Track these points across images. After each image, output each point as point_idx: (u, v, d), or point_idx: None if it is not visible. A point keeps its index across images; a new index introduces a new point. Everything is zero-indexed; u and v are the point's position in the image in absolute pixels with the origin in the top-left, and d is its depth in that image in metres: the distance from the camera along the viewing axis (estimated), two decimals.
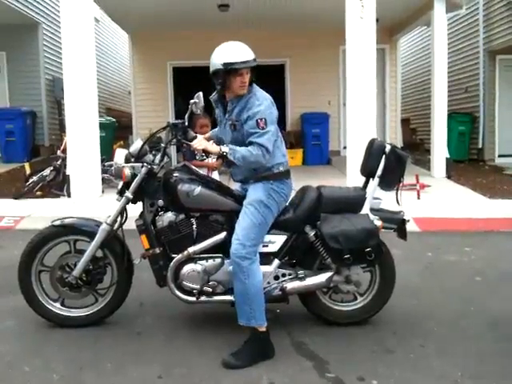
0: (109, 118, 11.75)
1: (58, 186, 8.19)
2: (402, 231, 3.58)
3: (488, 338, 3.44)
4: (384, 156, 3.48)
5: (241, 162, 3.20)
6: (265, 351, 3.18)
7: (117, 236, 3.52)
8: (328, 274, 3.45)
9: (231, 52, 3.22)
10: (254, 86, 3.36)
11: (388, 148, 3.49)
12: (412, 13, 10.69)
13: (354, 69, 7.89)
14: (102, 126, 9.05)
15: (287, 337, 3.47)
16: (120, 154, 3.49)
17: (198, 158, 3.43)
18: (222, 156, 3.22)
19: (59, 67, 11.01)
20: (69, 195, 7.85)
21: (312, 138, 11.64)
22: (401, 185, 3.62)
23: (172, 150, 3.26)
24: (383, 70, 12.53)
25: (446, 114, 9.61)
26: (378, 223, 3.39)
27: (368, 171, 3.57)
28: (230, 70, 3.19)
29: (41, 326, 3.61)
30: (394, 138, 12.78)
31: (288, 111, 12.72)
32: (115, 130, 11.43)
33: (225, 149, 3.20)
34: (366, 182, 3.58)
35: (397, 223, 3.55)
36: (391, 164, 3.49)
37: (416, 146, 13.44)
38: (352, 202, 3.50)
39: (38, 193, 8.11)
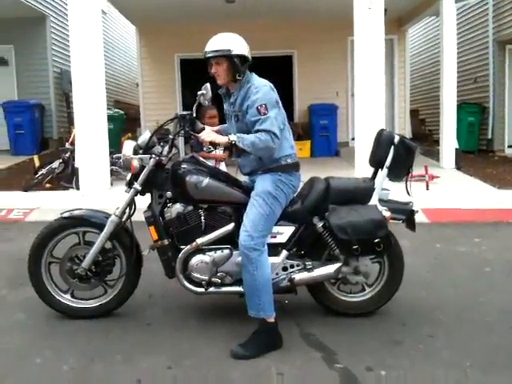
0: (117, 110, 11.75)
1: (66, 178, 8.23)
2: (410, 222, 3.56)
3: (497, 329, 3.43)
4: (393, 147, 3.46)
5: (250, 149, 3.18)
6: (273, 342, 3.19)
7: (125, 228, 3.54)
8: (336, 265, 3.45)
9: (211, 40, 3.34)
10: (252, 75, 3.39)
11: (397, 139, 3.47)
12: (420, 3, 10.61)
13: (363, 60, 7.85)
14: (110, 119, 9.06)
15: (296, 328, 3.48)
16: (128, 146, 3.49)
17: (205, 149, 3.42)
18: (230, 145, 3.21)
19: (67, 60, 11.03)
20: (78, 187, 7.89)
21: (320, 130, 11.60)
22: (410, 176, 3.59)
23: (180, 141, 3.25)
24: (392, 61, 12.46)
25: (455, 104, 9.55)
26: (387, 214, 3.38)
27: (376, 162, 3.55)
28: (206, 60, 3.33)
29: (51, 317, 3.64)
30: (403, 128, 12.72)
31: (296, 103, 12.70)
32: (123, 122, 11.44)
33: (233, 137, 3.20)
34: (375, 173, 3.56)
35: (405, 214, 3.54)
36: (400, 155, 3.47)
37: (425, 137, 13.37)
38: (360, 193, 3.49)
39: (47, 185, 8.15)
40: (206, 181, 3.35)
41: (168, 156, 3.44)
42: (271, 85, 3.33)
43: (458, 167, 9.37)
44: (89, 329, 3.51)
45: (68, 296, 3.63)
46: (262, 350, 3.13)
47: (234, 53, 3.26)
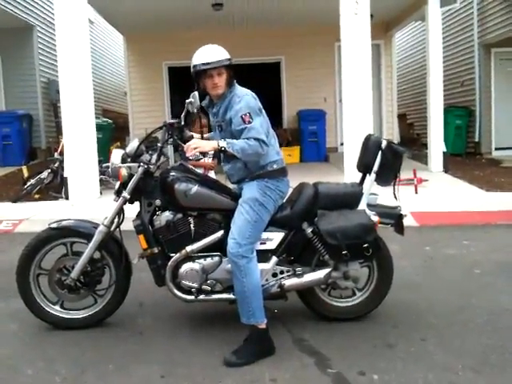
0: (105, 119, 11.74)
1: (55, 188, 8.20)
2: (399, 226, 3.58)
3: (488, 331, 3.45)
4: (380, 152, 3.48)
5: (240, 154, 3.18)
6: (265, 348, 3.19)
7: (114, 237, 3.53)
8: (326, 271, 3.46)
9: (197, 55, 3.29)
10: (235, 85, 3.38)
11: (384, 143, 3.49)
12: (406, 8, 10.70)
13: (350, 65, 7.90)
14: (99, 128, 9.05)
15: (288, 334, 3.48)
16: (116, 155, 3.49)
17: (191, 158, 3.43)
18: (220, 151, 3.21)
19: (55, 69, 11.00)
20: (67, 197, 7.85)
21: (309, 135, 11.67)
22: (397, 180, 3.62)
23: (169, 149, 3.27)
24: (379, 66, 12.55)
25: (442, 108, 9.62)
26: (375, 219, 3.40)
27: (364, 167, 3.58)
28: (199, 72, 3.27)
29: (42, 328, 3.62)
30: (391, 133, 12.79)
31: (284, 108, 12.75)
32: (112, 131, 11.43)
33: (222, 143, 3.19)
34: (363, 178, 3.58)
35: (394, 218, 3.56)
36: (387, 159, 3.49)
37: (413, 141, 13.45)
38: (349, 198, 3.51)
39: (36, 196, 8.11)
40: (195, 188, 3.35)
41: (157, 164, 3.43)
42: (253, 94, 3.35)
43: (446, 170, 9.43)
44: (80, 339, 3.49)
45: (57, 307, 3.61)
46: (255, 356, 3.13)
47: (232, 62, 3.30)
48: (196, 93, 3.39)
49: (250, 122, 3.18)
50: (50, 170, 8.32)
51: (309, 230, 3.44)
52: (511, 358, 3.08)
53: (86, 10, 8.21)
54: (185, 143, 3.30)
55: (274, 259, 3.43)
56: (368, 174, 3.54)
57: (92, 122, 8.02)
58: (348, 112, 8.01)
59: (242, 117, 3.20)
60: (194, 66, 3.28)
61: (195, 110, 3.42)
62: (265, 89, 14.01)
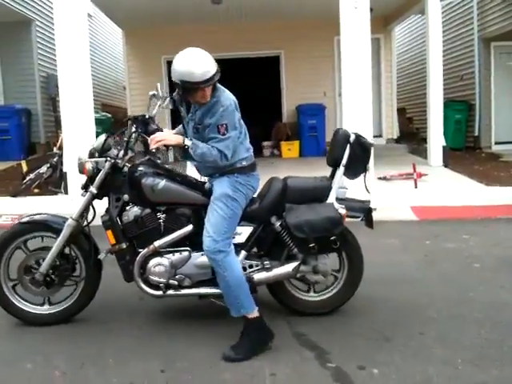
0: (104, 113, 11.71)
1: (55, 183, 8.18)
2: (368, 220, 3.59)
3: (487, 325, 3.46)
4: (348, 145, 3.50)
5: (198, 159, 3.23)
6: (262, 338, 3.19)
7: (84, 232, 3.53)
8: (294, 264, 3.47)
9: (189, 69, 3.12)
10: (219, 88, 3.31)
11: (352, 137, 3.51)
12: (406, 1, 10.66)
13: (349, 59, 7.86)
14: (98, 122, 9.02)
15: (287, 327, 3.49)
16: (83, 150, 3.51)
17: (153, 151, 3.41)
18: (183, 148, 3.23)
19: (53, 64, 10.96)
20: (66, 192, 7.83)
21: (308, 130, 11.63)
22: (367, 173, 3.64)
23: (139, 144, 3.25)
24: (378, 60, 12.51)
25: (441, 102, 9.60)
26: (343, 212, 3.40)
27: (333, 161, 3.57)
28: (189, 87, 3.17)
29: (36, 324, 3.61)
30: (391, 127, 12.80)
31: (284, 103, 12.72)
32: (111, 125, 11.40)
33: (188, 142, 3.21)
34: (333, 172, 3.58)
35: (363, 212, 3.56)
36: (356, 153, 3.51)
37: (412, 135, 13.44)
38: (318, 192, 3.52)
39: (36, 190, 8.10)
40: (163, 183, 3.35)
41: (124, 159, 3.41)
42: (235, 100, 3.29)
43: (446, 165, 9.42)
44: (79, 334, 3.49)
45: (28, 303, 3.60)
46: (254, 348, 3.13)
47: (217, 71, 3.20)
48: (158, 84, 3.39)
49: (224, 134, 3.19)
50: (49, 165, 8.30)
51: (277, 224, 3.45)
52: (510, 352, 3.09)
53: (85, 4, 8.16)
54: (150, 136, 3.30)
55: (243, 253, 3.44)
56: (337, 168, 3.54)
57: (91, 116, 7.99)
58: (348, 106, 7.97)
59: (218, 126, 3.19)
60: (188, 83, 3.13)
61: (159, 102, 3.38)
62: (264, 83, 14.11)
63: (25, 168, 8.76)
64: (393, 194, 7.30)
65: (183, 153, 3.32)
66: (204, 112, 3.27)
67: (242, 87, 15.06)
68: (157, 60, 12.14)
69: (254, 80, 14.47)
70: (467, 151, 11.64)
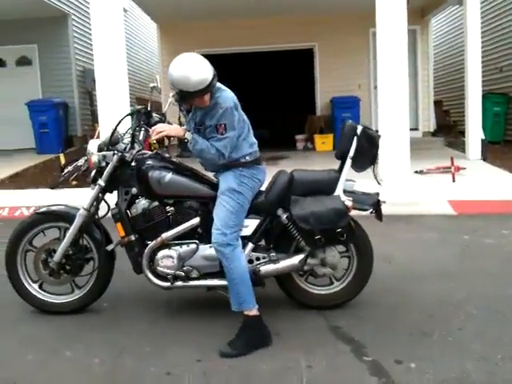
0: (139, 107, 11.80)
1: None
2: (377, 212, 3.54)
3: None
4: (356, 137, 3.46)
5: (197, 154, 3.28)
6: (259, 336, 3.17)
7: (97, 223, 3.59)
8: (301, 257, 3.45)
9: (185, 79, 3.10)
10: (218, 89, 3.28)
11: (359, 129, 3.47)
12: None
13: (385, 51, 7.76)
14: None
15: (323, 321, 3.48)
16: (93, 144, 3.57)
17: (154, 143, 3.45)
18: (183, 141, 3.27)
19: (90, 58, 11.13)
20: None
21: (342, 122, 11.49)
22: (376, 165, 3.62)
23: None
24: (415, 52, 12.31)
25: (480, 94, 9.41)
26: (349, 204, 3.36)
27: (341, 153, 3.54)
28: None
29: (77, 312, 3.69)
30: (427, 120, 12.60)
31: (317, 96, 12.65)
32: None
33: (188, 136, 3.26)
34: (342, 165, 3.54)
35: (371, 204, 3.51)
36: (363, 145, 3.47)
37: (449, 128, 13.20)
38: (324, 185, 3.49)
39: (74, 182, 8.24)
40: (169, 176, 3.38)
41: (132, 152, 3.45)
42: (235, 100, 3.28)
43: (484, 158, 9.23)
44: (116, 321, 3.55)
45: (36, 286, 3.69)
46: (250, 346, 3.11)
47: (214, 76, 3.19)
48: (157, 76, 3.42)
49: (222, 134, 3.21)
50: (86, 158, 8.42)
51: (284, 216, 3.44)
52: None
53: None
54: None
55: (250, 246, 3.44)
56: (345, 161, 3.51)
57: (126, 109, 8.09)
58: (383, 99, 7.88)
59: (216, 126, 3.21)
60: (182, 92, 3.15)
61: (171, 100, 3.39)
62: (298, 76, 14.05)
63: (63, 161, 8.93)
64: (430, 188, 7.20)
65: (183, 146, 3.37)
66: (204, 114, 3.31)
67: (275, 80, 15.08)
68: None
69: (287, 73, 14.43)
70: (506, 145, 11.35)
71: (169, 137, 3.36)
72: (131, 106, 9.39)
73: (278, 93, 14.77)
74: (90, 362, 3.05)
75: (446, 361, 2.92)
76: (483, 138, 9.43)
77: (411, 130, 8.74)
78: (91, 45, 8.47)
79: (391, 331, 3.31)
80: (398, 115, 7.63)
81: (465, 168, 7.99)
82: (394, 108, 7.72)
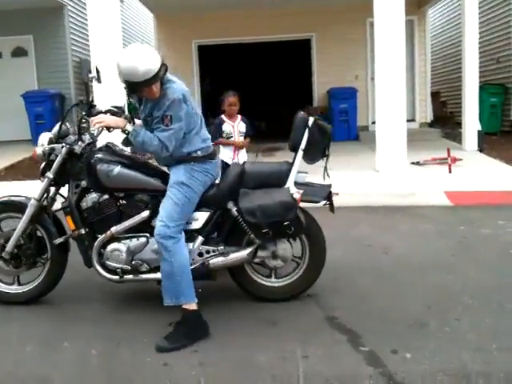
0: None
1: None
2: (329, 204, 3.54)
3: None
4: (307, 129, 3.45)
5: (139, 146, 3.26)
6: (198, 331, 3.17)
7: (52, 215, 3.61)
8: (250, 249, 3.44)
9: (131, 69, 3.08)
10: (168, 81, 3.26)
11: (311, 121, 3.46)
12: None
13: (383, 42, 7.74)
14: (131, 107, 9.08)
15: (320, 311, 3.49)
16: (44, 137, 3.56)
17: (94, 133, 3.44)
18: (124, 132, 3.25)
19: (86, 49, 11.07)
20: None
21: (339, 114, 11.51)
22: (328, 157, 3.59)
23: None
24: (412, 42, 12.28)
25: (477, 85, 9.39)
26: (297, 196, 3.34)
27: (293, 145, 3.53)
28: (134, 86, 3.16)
29: (72, 303, 3.72)
30: (424, 111, 12.59)
31: (315, 86, 12.62)
32: None
33: (129, 127, 3.25)
34: (295, 157, 3.52)
35: (323, 196, 3.50)
36: (314, 137, 3.47)
37: (446, 119, 13.19)
38: (276, 177, 3.48)
39: None
40: (117, 169, 3.37)
41: (80, 144, 3.45)
42: (184, 92, 3.24)
43: (481, 149, 9.24)
44: (113, 313, 3.57)
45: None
46: (187, 340, 3.10)
47: (162, 66, 3.16)
48: (97, 65, 3.41)
49: (167, 125, 3.18)
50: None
51: (234, 210, 3.41)
52: None
53: None
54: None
55: (200, 239, 3.44)
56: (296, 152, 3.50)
57: (123, 101, 8.06)
58: (380, 90, 7.86)
59: (163, 117, 3.19)
60: (129, 82, 3.13)
61: (98, 83, 3.39)
62: (295, 66, 14.00)
63: None
64: (426, 179, 7.20)
65: (125, 139, 3.34)
66: (153, 105, 3.28)
67: (272, 71, 15.01)
68: (187, 44, 12.15)
69: (284, 64, 14.38)
70: (503, 136, 11.35)
71: (108, 127, 3.32)
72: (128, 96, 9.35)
73: (275, 84, 14.74)
74: (87, 353, 3.06)
75: (443, 351, 2.93)
76: (480, 129, 9.43)
77: (408, 121, 8.74)
78: (87, 36, 8.42)
79: (388, 321, 3.31)
80: (395, 106, 7.62)
81: (461, 159, 7.98)
82: (391, 99, 7.71)
